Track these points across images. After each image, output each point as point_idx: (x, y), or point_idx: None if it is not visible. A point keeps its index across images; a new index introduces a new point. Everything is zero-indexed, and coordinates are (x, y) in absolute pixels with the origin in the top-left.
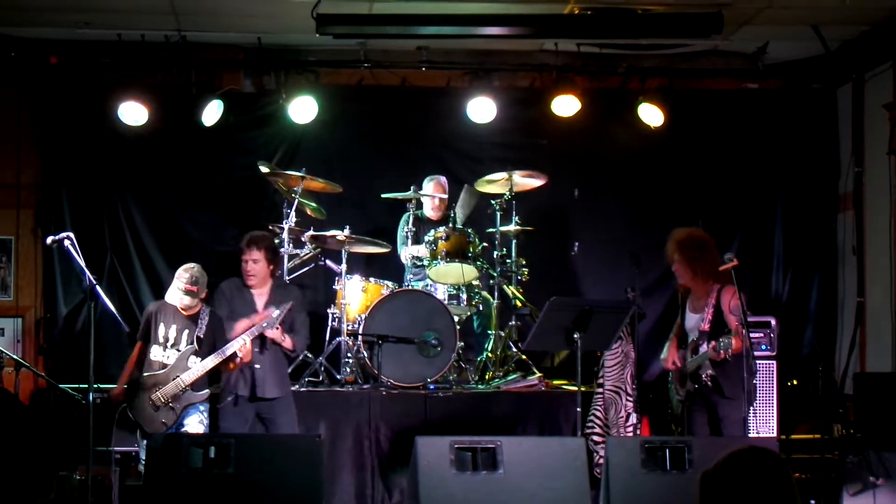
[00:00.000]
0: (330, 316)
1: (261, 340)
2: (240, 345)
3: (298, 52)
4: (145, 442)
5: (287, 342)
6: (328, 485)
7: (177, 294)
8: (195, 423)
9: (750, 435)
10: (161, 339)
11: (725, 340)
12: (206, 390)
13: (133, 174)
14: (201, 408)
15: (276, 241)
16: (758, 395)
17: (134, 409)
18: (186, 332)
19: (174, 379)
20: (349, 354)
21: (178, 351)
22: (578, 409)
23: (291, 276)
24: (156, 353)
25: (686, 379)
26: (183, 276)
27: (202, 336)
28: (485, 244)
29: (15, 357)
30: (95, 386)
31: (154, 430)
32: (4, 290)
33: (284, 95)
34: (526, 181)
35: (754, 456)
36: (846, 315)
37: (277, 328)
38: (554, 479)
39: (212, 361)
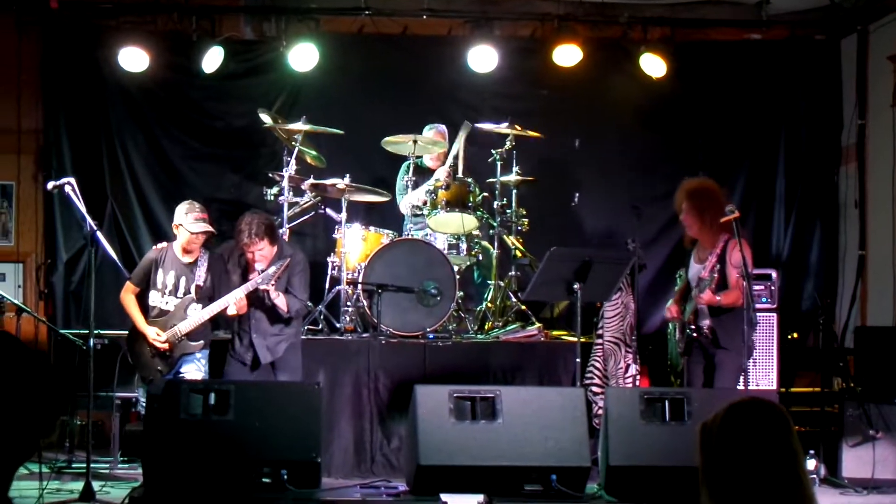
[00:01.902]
0: (329, 264)
1: (254, 308)
2: (234, 300)
3: None
4: (144, 387)
5: (281, 301)
6: (327, 432)
7: (194, 227)
8: (193, 372)
9: (750, 387)
10: (160, 286)
11: (705, 279)
12: (202, 340)
13: (133, 120)
14: (198, 356)
15: (273, 190)
16: (758, 347)
17: (132, 354)
18: (184, 278)
19: (171, 327)
20: (348, 303)
21: (177, 298)
22: (578, 360)
23: (291, 224)
24: (154, 299)
25: (685, 328)
26: (192, 208)
27: (202, 284)
28: (485, 194)
29: (16, 302)
30: (96, 332)
31: (150, 376)
32: (5, 236)
33: (285, 42)
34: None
35: (755, 407)
36: (847, 268)
37: (272, 285)
38: (553, 429)
39: (208, 312)
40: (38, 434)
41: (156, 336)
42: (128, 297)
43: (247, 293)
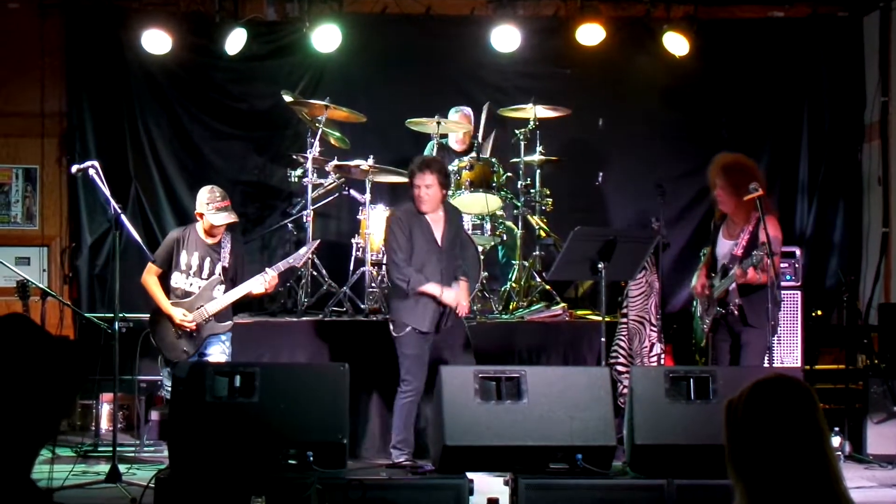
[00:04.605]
0: (354, 246)
1: (443, 273)
2: (262, 281)
3: None
4: (168, 370)
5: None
6: (352, 413)
7: (216, 219)
8: (217, 354)
9: (774, 365)
10: (183, 267)
11: (758, 254)
12: (230, 321)
13: (157, 102)
14: (223, 338)
15: (297, 171)
16: (782, 325)
17: (156, 336)
18: (209, 259)
19: (198, 308)
20: (373, 284)
21: (201, 279)
22: (603, 339)
23: (315, 206)
24: (178, 280)
25: (713, 306)
26: (213, 197)
27: (227, 266)
28: (509, 174)
29: (41, 286)
30: (121, 315)
31: (175, 357)
32: (30, 220)
33: (308, 24)
34: (549, 111)
35: (780, 385)
36: (871, 245)
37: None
38: (578, 409)
39: (237, 293)
40: (58, 416)
41: (183, 316)
42: (150, 278)
43: (277, 273)
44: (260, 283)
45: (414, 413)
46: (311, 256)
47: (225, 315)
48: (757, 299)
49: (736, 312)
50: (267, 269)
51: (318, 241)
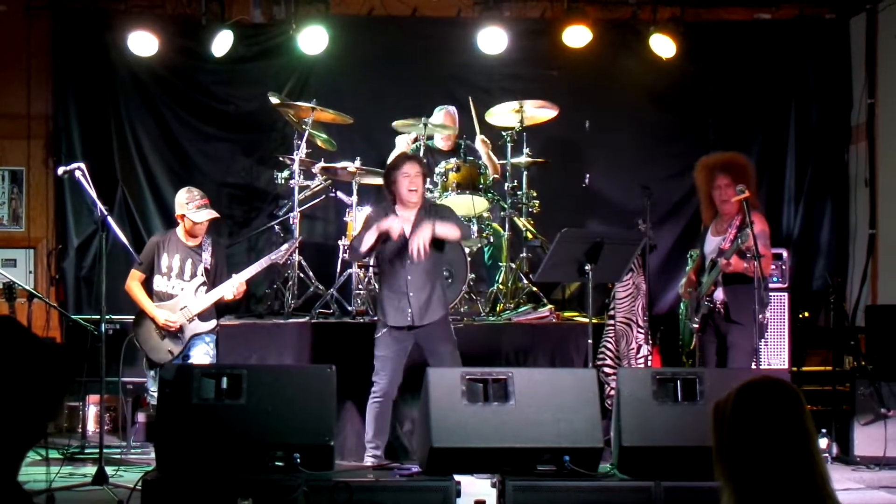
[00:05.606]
0: (341, 248)
1: (410, 263)
2: (233, 286)
3: None
4: (152, 372)
5: (445, 230)
6: (340, 415)
7: (198, 217)
8: (201, 354)
9: (761, 367)
10: (164, 270)
11: (744, 234)
12: (214, 321)
13: (143, 105)
14: (207, 339)
15: (284, 173)
16: (769, 326)
17: (140, 339)
18: (190, 261)
19: (182, 309)
20: (360, 286)
21: (183, 281)
22: (590, 341)
23: (302, 208)
24: (160, 283)
25: (700, 305)
26: (192, 196)
27: (209, 267)
28: (495, 175)
29: (27, 288)
30: (107, 317)
31: (159, 359)
32: (16, 221)
33: (294, 26)
34: (537, 113)
35: (767, 387)
36: (858, 247)
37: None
38: (565, 411)
39: (217, 294)
40: (44, 418)
41: (167, 318)
42: (133, 283)
43: (248, 278)
44: (230, 290)
45: (385, 416)
46: (293, 254)
47: (208, 315)
48: (741, 296)
49: (721, 311)
50: (233, 275)
51: (299, 238)
